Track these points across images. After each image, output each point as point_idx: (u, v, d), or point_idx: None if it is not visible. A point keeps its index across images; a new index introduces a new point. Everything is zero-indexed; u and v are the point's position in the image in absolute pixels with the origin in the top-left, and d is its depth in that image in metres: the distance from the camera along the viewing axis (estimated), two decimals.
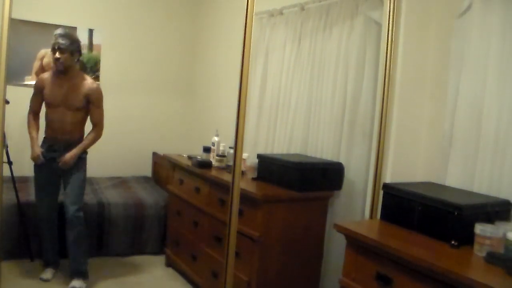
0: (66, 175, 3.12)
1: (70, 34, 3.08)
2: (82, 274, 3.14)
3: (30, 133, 3.12)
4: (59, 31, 3.05)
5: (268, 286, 2.57)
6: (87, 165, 3.23)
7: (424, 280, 1.61)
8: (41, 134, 3.17)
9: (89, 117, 3.20)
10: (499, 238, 1.67)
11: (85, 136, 3.21)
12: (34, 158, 3.09)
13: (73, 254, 3.11)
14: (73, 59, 3.08)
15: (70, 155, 3.07)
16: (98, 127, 3.20)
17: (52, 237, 3.26)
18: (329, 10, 2.91)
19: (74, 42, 3.07)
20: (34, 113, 3.16)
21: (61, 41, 3.00)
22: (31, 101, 3.16)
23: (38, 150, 3.08)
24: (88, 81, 3.14)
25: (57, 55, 3.00)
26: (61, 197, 3.20)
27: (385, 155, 2.44)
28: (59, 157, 3.08)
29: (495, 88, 2.02)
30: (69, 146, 3.11)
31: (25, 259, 3.42)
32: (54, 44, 3.02)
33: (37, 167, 3.14)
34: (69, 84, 3.09)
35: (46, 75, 3.18)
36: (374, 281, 1.81)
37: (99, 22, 4.46)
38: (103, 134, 3.25)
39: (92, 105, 3.15)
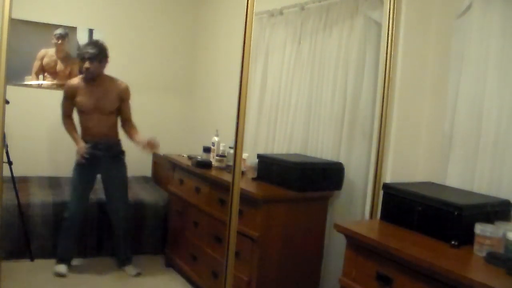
0: (109, 173, 3.30)
1: (97, 42, 3.20)
2: (131, 260, 3.47)
3: (70, 132, 3.25)
4: (87, 43, 3.18)
5: (268, 286, 2.57)
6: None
7: (424, 280, 1.60)
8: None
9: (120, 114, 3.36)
10: (499, 238, 1.67)
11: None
12: (80, 151, 3.18)
13: (123, 245, 3.42)
14: (101, 67, 3.20)
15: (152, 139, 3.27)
16: (131, 121, 3.41)
17: (74, 233, 3.31)
18: (329, 10, 2.91)
19: (102, 50, 3.16)
20: (68, 116, 3.30)
21: (90, 50, 3.10)
22: (62, 106, 3.28)
23: (84, 144, 3.19)
24: (117, 82, 3.30)
25: (87, 64, 3.11)
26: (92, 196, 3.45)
27: (385, 155, 2.44)
28: (103, 156, 3.23)
29: (495, 88, 2.02)
30: (110, 147, 3.29)
31: (25, 259, 3.42)
32: (83, 54, 3.12)
33: (79, 165, 3.24)
34: (100, 90, 3.22)
35: (75, 81, 3.26)
36: (374, 281, 1.81)
37: (99, 22, 4.46)
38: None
39: (123, 102, 3.32)
